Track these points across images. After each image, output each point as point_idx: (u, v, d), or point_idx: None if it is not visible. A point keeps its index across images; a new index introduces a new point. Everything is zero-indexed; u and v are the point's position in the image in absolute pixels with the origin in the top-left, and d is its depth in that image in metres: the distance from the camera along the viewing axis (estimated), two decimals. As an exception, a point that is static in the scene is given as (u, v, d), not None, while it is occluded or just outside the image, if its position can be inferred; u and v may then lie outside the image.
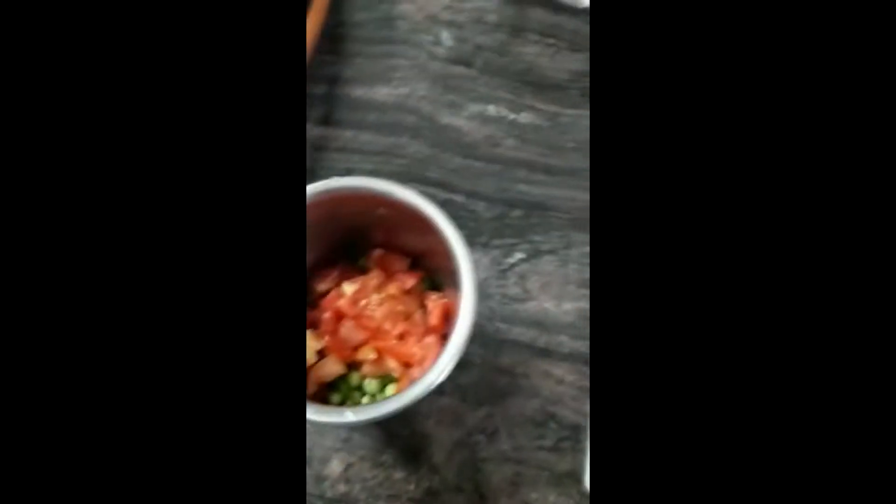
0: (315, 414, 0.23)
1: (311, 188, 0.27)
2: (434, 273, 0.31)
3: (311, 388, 0.27)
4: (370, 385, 0.28)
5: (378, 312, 0.28)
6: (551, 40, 0.41)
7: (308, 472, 0.30)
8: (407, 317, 0.29)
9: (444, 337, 0.29)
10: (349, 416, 0.23)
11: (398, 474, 0.30)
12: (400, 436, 0.30)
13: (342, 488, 0.29)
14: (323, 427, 0.30)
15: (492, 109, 0.39)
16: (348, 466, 0.30)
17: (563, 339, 0.32)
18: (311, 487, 0.29)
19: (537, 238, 0.35)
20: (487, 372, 0.31)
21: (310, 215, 0.27)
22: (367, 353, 0.28)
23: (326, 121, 0.38)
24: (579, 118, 0.38)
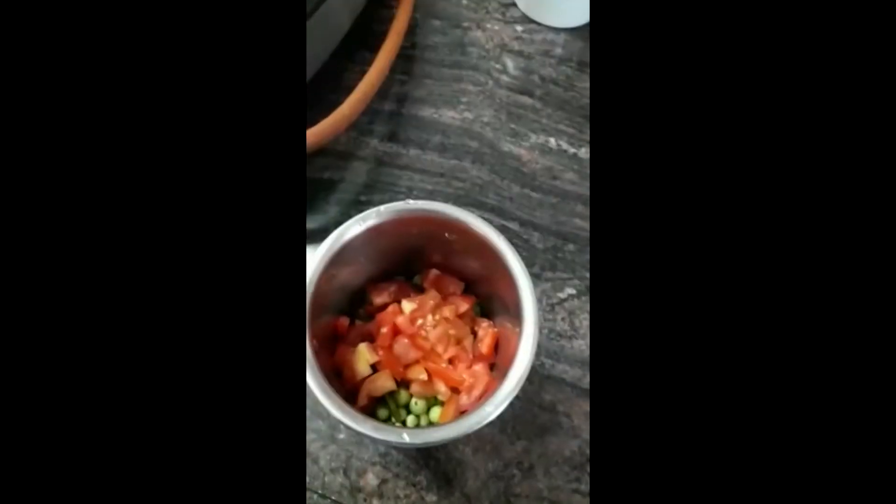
0: (372, 431, 0.23)
1: (387, 207, 0.27)
2: (486, 300, 0.31)
3: (361, 400, 0.28)
4: (417, 405, 0.28)
5: (432, 333, 0.28)
6: (618, 81, 0.42)
7: (344, 481, 0.30)
8: (458, 341, 0.29)
9: (492, 366, 0.29)
10: (405, 437, 0.23)
11: (431, 497, 0.30)
12: (436, 458, 0.30)
13: (375, 503, 0.30)
14: (363, 439, 0.30)
15: (553, 142, 0.39)
16: (383, 482, 0.30)
17: (607, 380, 0.32)
18: (346, 498, 0.30)
19: (590, 275, 0.35)
20: (529, 406, 0.31)
21: (380, 232, 0.28)
22: (418, 373, 0.28)
23: (392, 137, 0.39)
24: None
